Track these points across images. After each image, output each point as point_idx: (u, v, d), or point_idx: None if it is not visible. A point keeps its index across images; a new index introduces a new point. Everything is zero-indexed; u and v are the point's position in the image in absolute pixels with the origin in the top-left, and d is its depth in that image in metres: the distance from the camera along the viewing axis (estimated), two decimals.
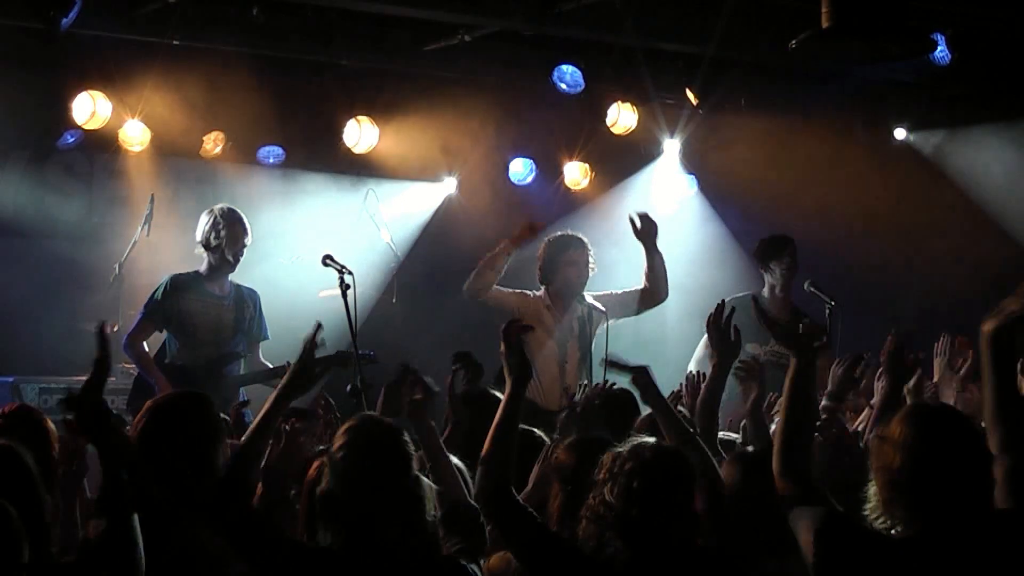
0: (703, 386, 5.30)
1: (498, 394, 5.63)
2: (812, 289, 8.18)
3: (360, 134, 10.00)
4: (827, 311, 7.97)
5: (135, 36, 8.66)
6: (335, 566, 3.74)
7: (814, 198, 10.51)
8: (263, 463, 4.16)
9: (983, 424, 3.70)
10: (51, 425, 4.67)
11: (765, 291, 8.50)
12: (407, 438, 3.93)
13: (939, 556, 3.45)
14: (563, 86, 9.57)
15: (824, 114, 10.29)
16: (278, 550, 3.73)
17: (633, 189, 10.84)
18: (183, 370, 7.84)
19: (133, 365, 8.92)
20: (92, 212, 10.06)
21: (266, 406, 3.94)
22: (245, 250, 7.95)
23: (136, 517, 3.46)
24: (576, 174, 10.72)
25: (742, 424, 5.61)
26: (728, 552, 4.06)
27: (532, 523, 3.91)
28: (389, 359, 7.79)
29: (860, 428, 5.56)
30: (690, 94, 9.72)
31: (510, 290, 8.12)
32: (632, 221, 8.01)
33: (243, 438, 3.96)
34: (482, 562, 4.11)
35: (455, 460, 4.55)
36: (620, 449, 3.89)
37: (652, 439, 3.99)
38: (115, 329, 9.13)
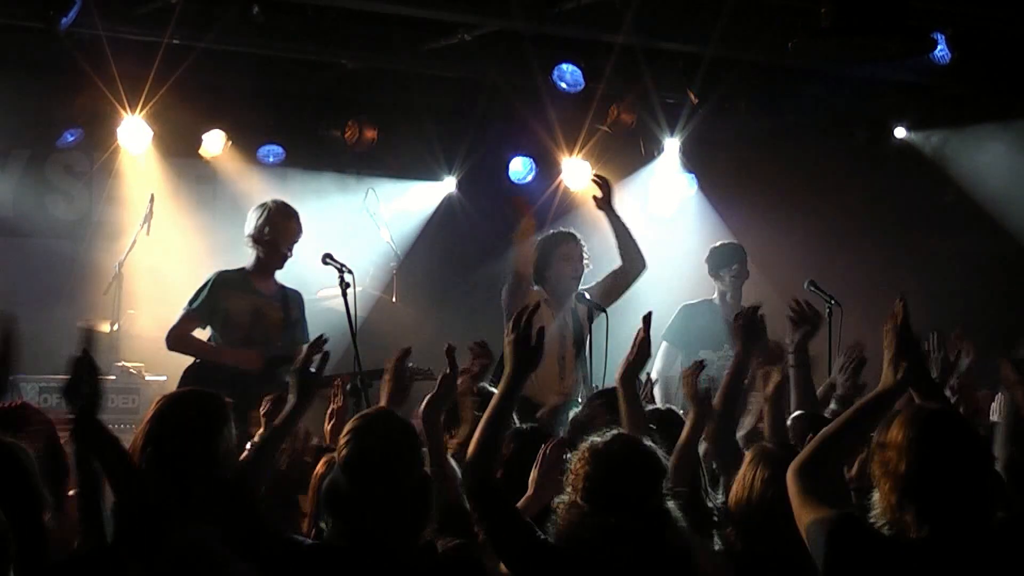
0: (726, 373, 5.23)
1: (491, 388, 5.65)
2: (812, 288, 8.18)
3: (360, 132, 10.01)
4: (827, 310, 7.97)
5: (135, 35, 8.65)
6: (338, 563, 3.74)
7: (813, 197, 10.51)
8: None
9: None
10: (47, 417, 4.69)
11: (715, 297, 8.69)
12: (415, 432, 3.95)
13: (951, 558, 3.44)
14: (563, 85, 9.56)
15: (824, 114, 10.28)
16: (281, 549, 3.74)
17: (633, 188, 10.84)
18: (236, 369, 7.52)
19: (134, 365, 8.94)
20: (92, 211, 10.06)
21: (278, 420, 3.98)
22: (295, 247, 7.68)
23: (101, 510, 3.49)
24: (576, 173, 10.72)
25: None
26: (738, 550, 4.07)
27: (514, 518, 3.91)
28: (388, 358, 7.81)
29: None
30: (690, 93, 9.72)
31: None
32: (595, 194, 7.90)
33: (255, 447, 3.99)
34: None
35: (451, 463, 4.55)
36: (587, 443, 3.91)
37: (618, 431, 4.01)
38: (115, 328, 9.15)
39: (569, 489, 3.85)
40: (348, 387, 6.57)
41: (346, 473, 3.79)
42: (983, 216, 10.46)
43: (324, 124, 10.10)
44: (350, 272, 7.20)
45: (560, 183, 10.68)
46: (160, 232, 9.40)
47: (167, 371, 8.95)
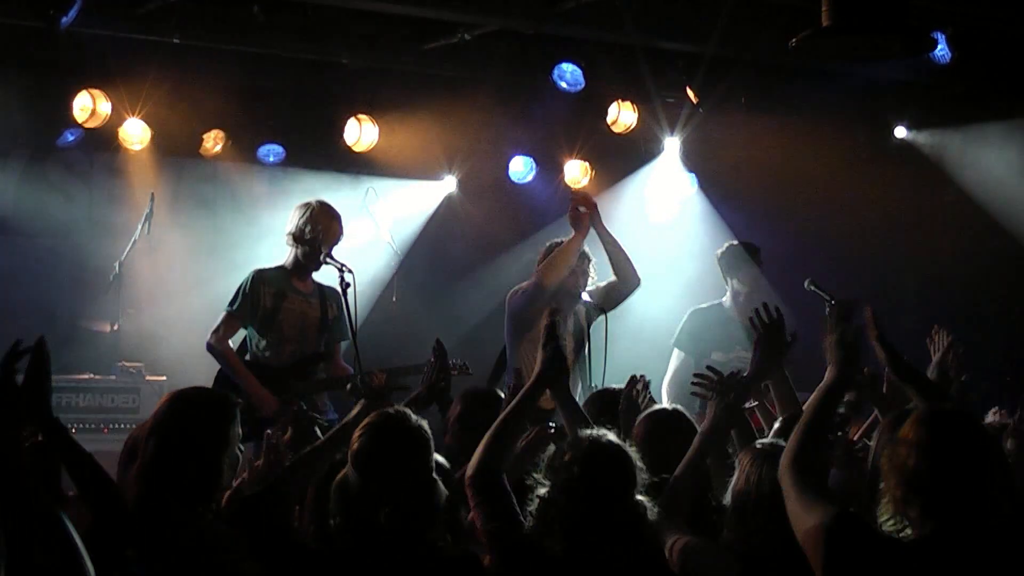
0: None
1: (499, 392, 5.67)
2: (812, 287, 8.18)
3: (360, 132, 10.01)
4: (826, 310, 7.97)
5: (135, 35, 8.65)
6: (344, 563, 3.75)
7: (814, 197, 10.51)
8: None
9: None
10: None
11: (726, 299, 8.52)
12: (429, 435, 3.97)
13: (952, 558, 3.45)
14: (563, 84, 9.56)
15: (824, 113, 10.28)
16: (288, 550, 3.76)
17: (633, 187, 10.85)
18: (269, 369, 7.52)
19: (133, 365, 8.94)
20: (92, 211, 10.06)
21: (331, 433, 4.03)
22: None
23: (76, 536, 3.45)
24: (576, 172, 10.72)
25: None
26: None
27: (509, 509, 3.98)
28: (389, 358, 7.83)
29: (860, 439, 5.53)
30: (690, 93, 9.72)
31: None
32: (575, 207, 7.87)
33: (299, 458, 4.02)
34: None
35: (438, 458, 4.55)
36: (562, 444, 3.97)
37: (603, 432, 4.03)
38: (115, 328, 9.16)
39: (548, 484, 3.90)
40: (349, 387, 6.55)
41: (357, 468, 3.81)
42: (983, 216, 10.46)
43: (324, 124, 10.10)
44: (350, 272, 7.20)
45: (560, 183, 10.69)
46: (160, 232, 9.40)
47: (167, 371, 8.97)
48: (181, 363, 8.85)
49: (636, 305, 8.67)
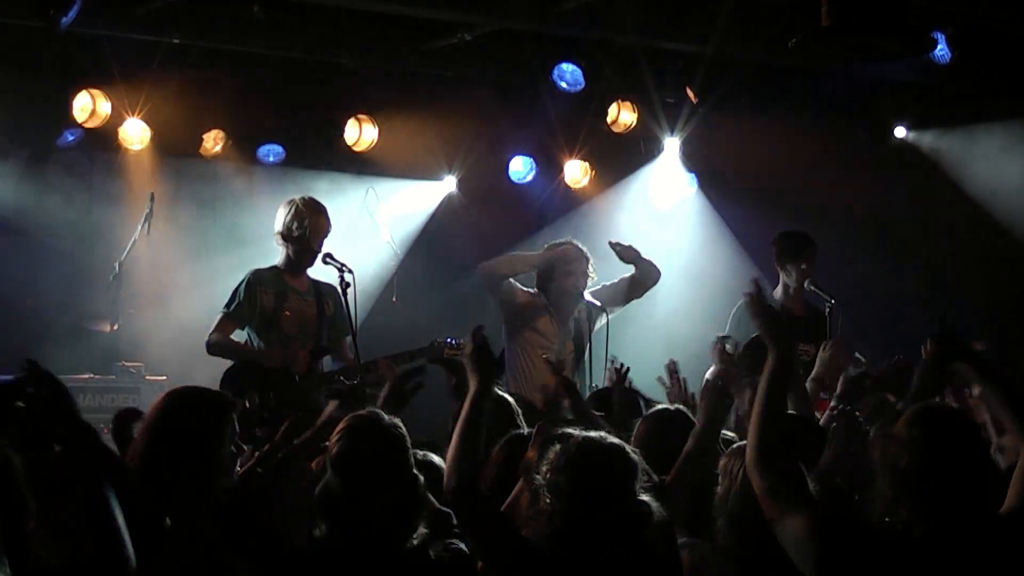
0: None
1: (503, 394, 5.66)
2: (812, 288, 8.18)
3: (360, 132, 10.01)
4: (827, 309, 7.97)
5: (135, 35, 8.66)
6: (332, 564, 3.74)
7: (814, 197, 10.50)
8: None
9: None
10: None
11: (778, 290, 8.34)
12: (405, 433, 3.95)
13: (942, 556, 3.45)
14: (563, 84, 9.56)
15: (824, 113, 10.28)
16: (278, 552, 3.75)
17: (633, 187, 10.85)
18: (274, 370, 7.46)
19: (134, 365, 8.94)
20: (92, 211, 10.06)
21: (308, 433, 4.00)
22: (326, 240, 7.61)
23: (122, 522, 3.43)
24: (576, 172, 10.72)
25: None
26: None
27: (498, 522, 3.92)
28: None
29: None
30: (690, 92, 9.72)
31: (521, 287, 8.15)
32: (614, 249, 8.12)
33: (277, 461, 4.00)
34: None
35: (435, 458, 4.55)
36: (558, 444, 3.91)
37: (598, 432, 4.00)
38: (115, 328, 9.15)
39: (545, 489, 3.86)
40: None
41: (337, 471, 3.80)
42: (983, 216, 10.46)
43: (324, 124, 10.10)
44: (350, 272, 7.20)
45: (560, 183, 10.69)
46: (160, 232, 9.40)
47: (167, 371, 8.97)
48: (181, 363, 8.85)
49: (636, 306, 8.68)
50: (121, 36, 8.63)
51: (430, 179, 10.70)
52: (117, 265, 9.14)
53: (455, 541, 4.06)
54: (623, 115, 10.28)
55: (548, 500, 3.80)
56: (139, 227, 9.20)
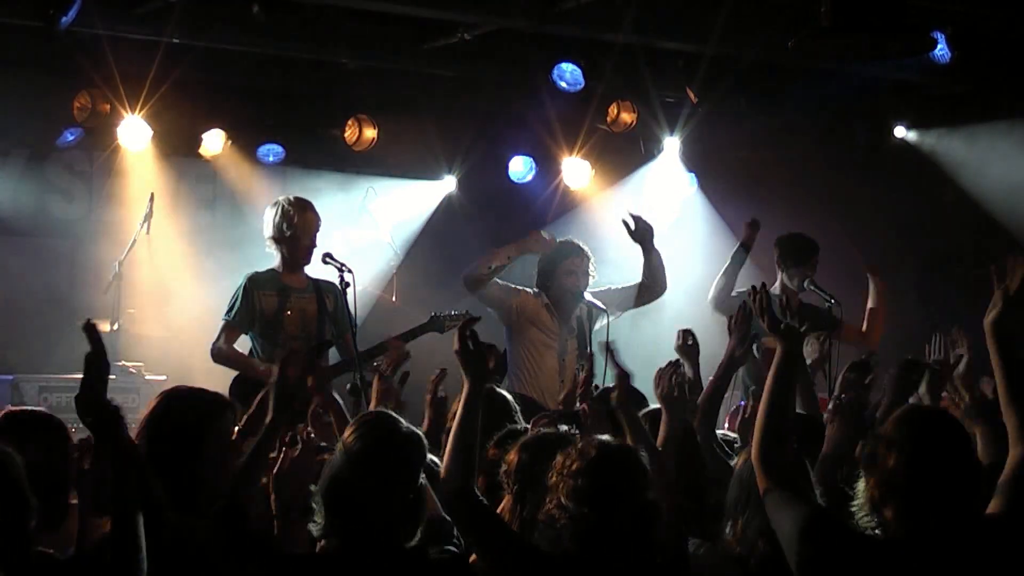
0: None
1: (503, 392, 5.65)
2: (812, 287, 8.18)
3: (360, 132, 10.01)
4: (827, 309, 7.98)
5: (135, 34, 8.66)
6: (330, 568, 3.74)
7: (813, 196, 10.51)
8: (276, 470, 4.12)
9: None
10: (61, 424, 4.63)
11: (776, 287, 8.30)
12: (424, 439, 3.94)
13: (926, 559, 3.44)
14: (563, 84, 9.56)
15: (824, 113, 10.29)
16: (271, 557, 3.74)
17: (633, 187, 10.85)
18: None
19: (134, 364, 8.95)
20: (92, 210, 10.07)
21: (258, 437, 3.95)
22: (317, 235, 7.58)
23: (141, 519, 3.44)
24: (576, 172, 10.72)
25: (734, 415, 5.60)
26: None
27: (496, 525, 3.91)
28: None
29: None
30: (690, 92, 9.72)
31: (511, 287, 8.13)
32: (626, 223, 8.01)
33: (239, 467, 3.96)
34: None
35: (432, 458, 4.54)
36: (569, 449, 3.88)
37: (606, 436, 3.99)
38: (115, 328, 9.15)
39: (555, 492, 3.85)
40: (349, 387, 6.56)
41: (353, 467, 3.78)
42: (983, 216, 10.46)
43: (324, 124, 10.11)
44: (350, 272, 7.20)
45: (560, 183, 10.70)
46: (160, 232, 9.40)
47: (167, 371, 8.97)
48: (181, 363, 8.86)
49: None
50: (121, 36, 8.63)
51: (430, 179, 10.71)
52: (117, 265, 9.15)
53: (451, 548, 4.05)
54: (623, 115, 10.28)
55: (564, 504, 3.77)
56: (139, 227, 9.20)
